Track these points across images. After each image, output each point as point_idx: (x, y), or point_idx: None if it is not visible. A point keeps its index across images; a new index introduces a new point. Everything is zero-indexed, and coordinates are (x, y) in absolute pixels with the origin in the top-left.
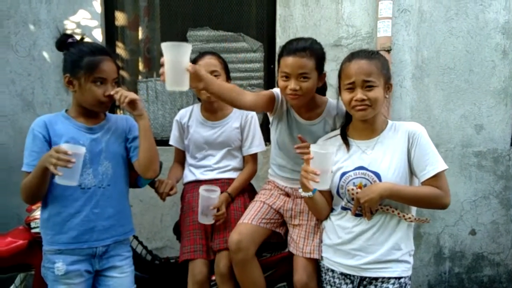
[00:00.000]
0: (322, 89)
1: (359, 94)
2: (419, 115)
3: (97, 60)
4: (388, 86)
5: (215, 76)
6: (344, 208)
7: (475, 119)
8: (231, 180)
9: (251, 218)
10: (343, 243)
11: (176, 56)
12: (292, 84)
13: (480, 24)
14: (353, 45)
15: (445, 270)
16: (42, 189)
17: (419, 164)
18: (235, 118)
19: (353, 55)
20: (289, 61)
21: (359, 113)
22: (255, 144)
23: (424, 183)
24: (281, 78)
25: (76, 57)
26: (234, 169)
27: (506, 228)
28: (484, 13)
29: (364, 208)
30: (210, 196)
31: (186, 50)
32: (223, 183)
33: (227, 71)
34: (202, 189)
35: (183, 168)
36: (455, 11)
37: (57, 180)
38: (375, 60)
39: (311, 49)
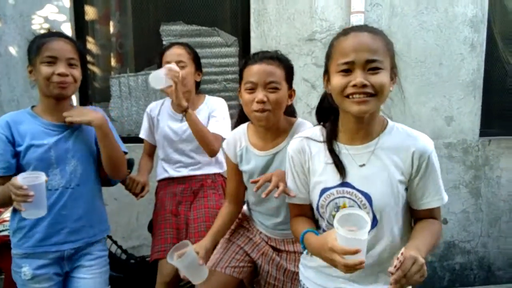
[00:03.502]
0: (290, 112)
1: (359, 77)
2: (392, 108)
3: (45, 40)
4: (392, 75)
5: (181, 67)
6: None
7: (445, 111)
8: (204, 176)
9: (224, 266)
10: (324, 266)
11: (187, 265)
12: (260, 95)
13: (449, 17)
14: (327, 39)
15: None
16: (10, 203)
17: (421, 192)
18: (204, 111)
19: (351, 28)
20: (255, 69)
21: (357, 106)
22: (216, 125)
23: (418, 211)
24: (245, 91)
25: (31, 44)
26: (208, 164)
27: (476, 217)
28: (453, 7)
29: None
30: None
31: (191, 257)
32: (197, 180)
33: (196, 62)
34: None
35: (152, 160)
36: (425, 5)
37: (23, 214)
38: (380, 36)
39: (280, 59)
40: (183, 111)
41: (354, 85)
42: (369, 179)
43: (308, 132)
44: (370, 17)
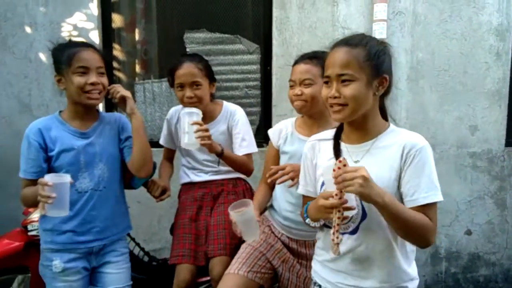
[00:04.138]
0: None
1: (333, 89)
2: (414, 117)
3: (75, 50)
4: (380, 81)
5: (197, 86)
6: (325, 225)
7: (469, 120)
8: (226, 180)
9: (247, 270)
10: (327, 261)
11: (244, 220)
12: (295, 90)
13: (473, 26)
14: None
15: (441, 270)
16: None
17: (408, 187)
18: (222, 121)
19: (336, 43)
20: (294, 69)
21: (334, 115)
22: (243, 145)
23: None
24: (289, 87)
25: (58, 54)
26: (228, 172)
27: (501, 228)
28: (477, 15)
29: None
30: (190, 112)
31: (251, 214)
32: (217, 185)
33: (209, 74)
34: (181, 114)
35: (172, 164)
36: (449, 14)
37: (47, 213)
38: (360, 48)
39: (318, 57)
40: (218, 155)
41: (330, 97)
42: None
43: (322, 134)
44: (392, 26)
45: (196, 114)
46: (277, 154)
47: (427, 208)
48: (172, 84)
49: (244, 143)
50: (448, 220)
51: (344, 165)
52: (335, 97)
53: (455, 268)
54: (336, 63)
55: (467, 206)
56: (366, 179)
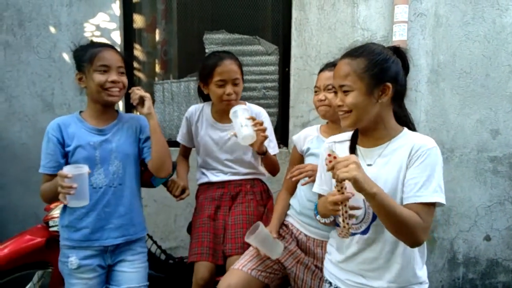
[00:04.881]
0: None
1: (337, 99)
2: (434, 119)
3: (97, 50)
4: (382, 89)
5: (236, 84)
6: (338, 225)
7: (491, 124)
8: (244, 181)
9: (252, 268)
10: (338, 261)
11: (261, 240)
12: (320, 95)
13: (497, 28)
14: None
15: (459, 275)
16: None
17: (407, 186)
18: None
19: (344, 54)
20: (320, 76)
21: (341, 122)
22: (271, 146)
23: (405, 207)
24: (314, 94)
25: (80, 53)
26: (246, 173)
27: None
28: (501, 17)
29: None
30: (244, 108)
31: (264, 233)
32: (235, 185)
33: (242, 72)
34: (232, 110)
35: (187, 160)
36: (472, 16)
37: (69, 204)
38: (360, 58)
39: None
40: (263, 154)
41: (336, 105)
42: (373, 176)
43: (339, 135)
44: (413, 27)
45: (247, 110)
46: (300, 159)
47: (421, 207)
48: (205, 81)
49: (271, 144)
50: (467, 225)
51: (335, 157)
52: (339, 106)
53: (473, 274)
54: (338, 74)
55: (487, 211)
56: (358, 164)
